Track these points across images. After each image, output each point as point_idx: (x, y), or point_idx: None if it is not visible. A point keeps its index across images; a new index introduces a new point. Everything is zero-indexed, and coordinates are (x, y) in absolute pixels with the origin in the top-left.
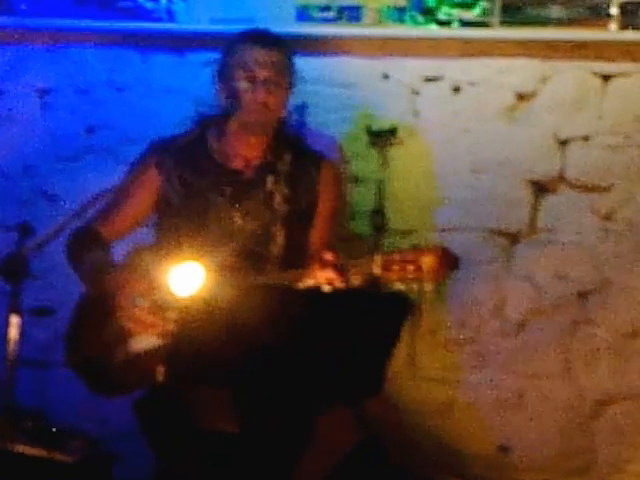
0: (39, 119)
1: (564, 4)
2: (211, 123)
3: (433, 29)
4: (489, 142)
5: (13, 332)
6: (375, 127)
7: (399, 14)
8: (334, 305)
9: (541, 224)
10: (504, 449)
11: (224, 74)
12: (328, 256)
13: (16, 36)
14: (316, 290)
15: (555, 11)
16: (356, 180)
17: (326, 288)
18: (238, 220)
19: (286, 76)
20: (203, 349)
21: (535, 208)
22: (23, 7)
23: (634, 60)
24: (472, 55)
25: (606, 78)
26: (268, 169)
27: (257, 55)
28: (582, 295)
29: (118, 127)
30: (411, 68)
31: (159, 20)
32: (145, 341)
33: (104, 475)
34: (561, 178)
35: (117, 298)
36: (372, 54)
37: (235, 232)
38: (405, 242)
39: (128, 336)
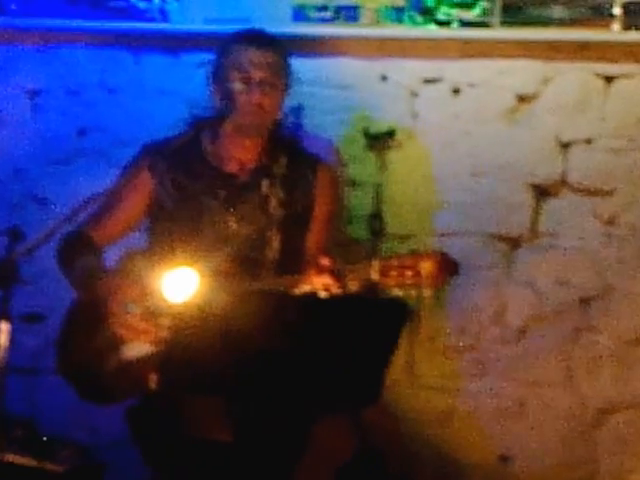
0: (29, 121)
1: (566, 4)
2: (205, 125)
3: (432, 29)
4: (489, 145)
5: (2, 339)
6: (373, 130)
7: (397, 14)
8: (331, 311)
9: (542, 229)
10: (505, 459)
11: (218, 75)
12: (325, 261)
13: (6, 36)
14: (312, 296)
15: (557, 11)
16: (353, 184)
17: (323, 294)
18: (233, 224)
19: (282, 77)
20: (197, 356)
21: (536, 212)
22: (13, 7)
23: (637, 61)
24: (472, 56)
25: (609, 79)
26: (263, 172)
27: (252, 56)
28: (584, 301)
29: (110, 129)
30: (410, 69)
31: (152, 20)
32: (138, 348)
33: None
34: (563, 182)
35: (109, 304)
36: (370, 55)
37: (230, 237)
38: (403, 247)
39: (120, 343)
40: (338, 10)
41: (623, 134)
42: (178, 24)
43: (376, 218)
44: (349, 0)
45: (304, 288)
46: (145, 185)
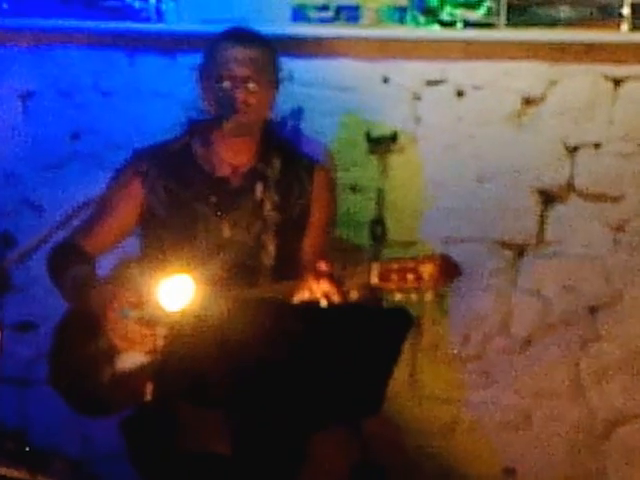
0: (21, 124)
1: (573, 4)
2: (199, 129)
3: (435, 30)
4: (494, 149)
5: None
6: (374, 133)
7: (400, 14)
8: (332, 320)
9: (549, 235)
10: (510, 472)
11: (205, 76)
12: (322, 266)
13: None
14: (313, 305)
15: (564, 11)
16: (354, 189)
17: (323, 303)
18: (226, 231)
19: (268, 74)
20: (194, 366)
21: (543, 218)
22: (5, 6)
23: None
24: (476, 57)
25: (617, 82)
26: (256, 176)
27: (235, 52)
28: (592, 310)
29: (104, 133)
30: (412, 71)
31: (148, 20)
32: (133, 358)
33: None
34: (570, 187)
35: (104, 312)
36: (371, 56)
37: (224, 243)
38: (406, 254)
39: (115, 353)
40: (339, 10)
41: (632, 138)
42: (174, 24)
43: (378, 224)
44: (350, 0)
45: (303, 295)
46: (136, 192)
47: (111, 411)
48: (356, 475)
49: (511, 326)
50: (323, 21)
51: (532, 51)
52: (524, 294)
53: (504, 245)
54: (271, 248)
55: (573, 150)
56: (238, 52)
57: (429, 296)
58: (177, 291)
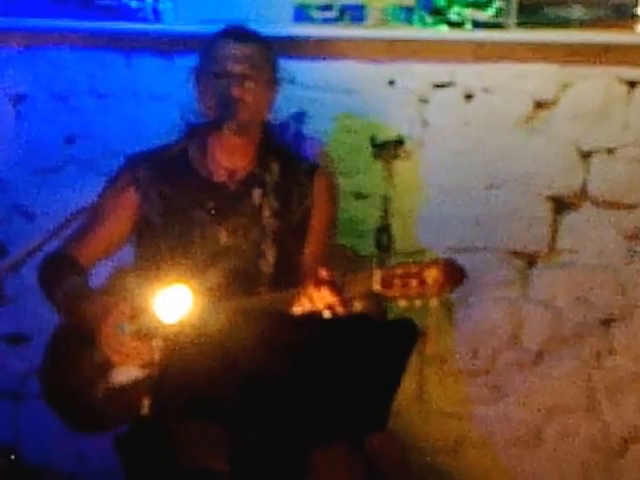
0: (13, 128)
1: (586, 4)
2: (197, 133)
3: (443, 31)
4: (504, 154)
5: None
6: (380, 138)
7: (406, 14)
8: (335, 332)
9: (561, 244)
10: None
11: (200, 77)
12: (323, 273)
13: None
14: (315, 316)
15: (576, 11)
16: (358, 196)
17: (326, 314)
18: (224, 237)
19: (265, 72)
20: (191, 380)
21: (555, 227)
22: None
23: None
24: (486, 59)
25: (632, 84)
26: (254, 181)
27: (230, 50)
28: (606, 322)
29: (99, 137)
30: (419, 73)
31: (144, 20)
32: (128, 372)
33: None
34: (583, 194)
35: (98, 326)
36: (376, 58)
37: (221, 251)
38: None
39: (110, 367)
40: (343, 10)
41: None
42: (172, 25)
43: (383, 232)
44: None
45: (303, 304)
46: (130, 199)
47: (106, 427)
48: None
49: (522, 339)
50: (326, 21)
51: (544, 53)
52: (535, 305)
53: (514, 254)
54: (270, 255)
55: (586, 155)
56: (234, 49)
57: (434, 302)
58: (174, 302)
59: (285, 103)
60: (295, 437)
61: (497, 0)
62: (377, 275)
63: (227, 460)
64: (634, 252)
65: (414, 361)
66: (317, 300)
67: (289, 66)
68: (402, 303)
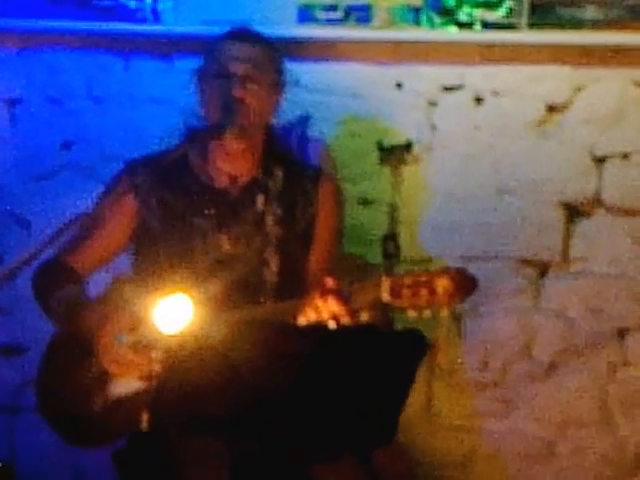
0: (7, 133)
1: (600, 4)
2: (198, 137)
3: (452, 32)
4: (516, 160)
5: None
6: (387, 142)
7: (414, 15)
8: (341, 344)
9: (574, 252)
10: None
11: (202, 78)
12: (329, 282)
13: None
14: (320, 327)
15: (590, 12)
16: (364, 202)
17: (331, 325)
18: (226, 245)
19: (270, 74)
20: (192, 393)
21: (567, 234)
22: None
23: None
24: (496, 61)
25: None
26: (257, 187)
27: (233, 50)
28: (620, 332)
29: (97, 142)
30: (427, 76)
31: (144, 21)
32: (127, 385)
33: None
34: (597, 200)
35: (96, 336)
36: (383, 60)
37: (223, 259)
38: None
39: (108, 379)
40: (348, 10)
41: None
42: (172, 26)
43: (390, 240)
44: None
45: (308, 314)
46: (128, 206)
47: (104, 442)
48: None
49: (533, 350)
50: (331, 22)
51: (556, 54)
52: (547, 316)
53: (526, 263)
54: (274, 264)
55: (600, 161)
56: (237, 50)
57: (444, 312)
58: (174, 312)
59: (289, 106)
60: (299, 452)
61: (508, 0)
62: (385, 284)
63: (228, 476)
64: None
65: (422, 373)
66: (323, 310)
67: (293, 68)
68: (411, 313)
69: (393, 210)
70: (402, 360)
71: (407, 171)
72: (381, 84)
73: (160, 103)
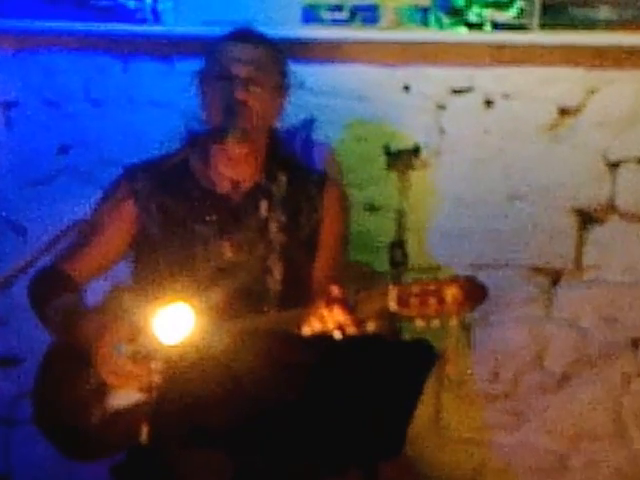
0: (3, 137)
1: (614, 4)
2: (199, 141)
3: (461, 33)
4: (527, 165)
5: None
6: (394, 147)
7: (422, 15)
8: (346, 354)
9: (587, 260)
10: None
11: (204, 80)
12: (335, 291)
13: None
14: (325, 337)
15: (604, 12)
16: (371, 209)
17: (337, 335)
18: (228, 252)
19: (273, 76)
20: (193, 405)
21: (580, 241)
22: None
23: None
24: (507, 63)
25: None
26: (260, 193)
27: (236, 52)
28: (635, 342)
29: (95, 146)
30: (436, 78)
31: (143, 22)
32: (126, 396)
33: None
34: (611, 206)
35: (94, 346)
36: (390, 62)
37: (225, 267)
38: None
39: (106, 390)
40: (354, 10)
41: None
42: (172, 26)
43: (397, 247)
44: None
45: (313, 324)
46: (128, 212)
47: (102, 455)
48: None
49: (545, 361)
50: (337, 22)
51: (569, 56)
52: (559, 325)
53: (537, 271)
54: (277, 272)
55: (614, 165)
56: (240, 51)
57: (453, 322)
58: (174, 322)
59: (293, 109)
60: (304, 466)
61: (519, 0)
62: (393, 293)
63: None
64: None
65: (431, 384)
66: (328, 320)
67: (297, 70)
68: (419, 323)
69: (400, 216)
70: (410, 371)
71: (415, 176)
72: (388, 86)
73: (160, 106)
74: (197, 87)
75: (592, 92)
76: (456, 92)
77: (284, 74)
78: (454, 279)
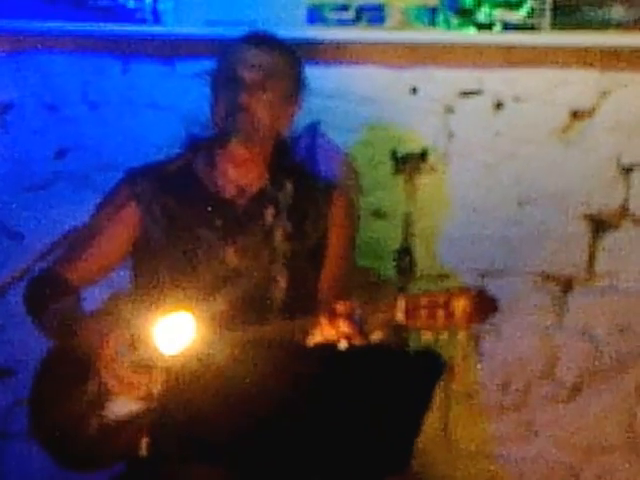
0: None
1: (627, 4)
2: (203, 145)
3: (471, 33)
4: (538, 169)
5: None
6: (401, 151)
7: (430, 15)
8: (352, 365)
9: (600, 267)
10: None
11: (215, 85)
12: (340, 308)
13: None
14: (331, 347)
15: (617, 12)
16: (378, 214)
17: (342, 345)
18: (232, 259)
19: (285, 83)
20: (194, 417)
21: (593, 248)
22: None
23: None
24: (517, 65)
25: None
26: (266, 199)
27: (246, 55)
28: None
29: (93, 150)
30: (444, 80)
31: (143, 22)
32: (125, 405)
33: None
34: (624, 212)
35: (97, 351)
36: (398, 63)
37: (229, 274)
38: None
39: (105, 399)
40: (360, 10)
41: None
42: (173, 27)
43: (404, 254)
44: None
45: (318, 334)
46: (130, 215)
47: (100, 466)
48: None
49: (556, 371)
50: (342, 23)
51: (581, 57)
52: (571, 334)
53: (549, 278)
54: (282, 280)
55: (627, 170)
56: (250, 55)
57: (461, 335)
58: (175, 331)
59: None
60: None
61: (529, 0)
62: (401, 304)
63: None
64: None
65: (439, 396)
66: (333, 333)
67: None
68: (427, 335)
69: (408, 222)
70: (417, 382)
71: (423, 181)
72: (395, 89)
73: (161, 109)
74: (209, 88)
75: (605, 94)
76: (465, 94)
77: (298, 82)
78: (464, 291)
